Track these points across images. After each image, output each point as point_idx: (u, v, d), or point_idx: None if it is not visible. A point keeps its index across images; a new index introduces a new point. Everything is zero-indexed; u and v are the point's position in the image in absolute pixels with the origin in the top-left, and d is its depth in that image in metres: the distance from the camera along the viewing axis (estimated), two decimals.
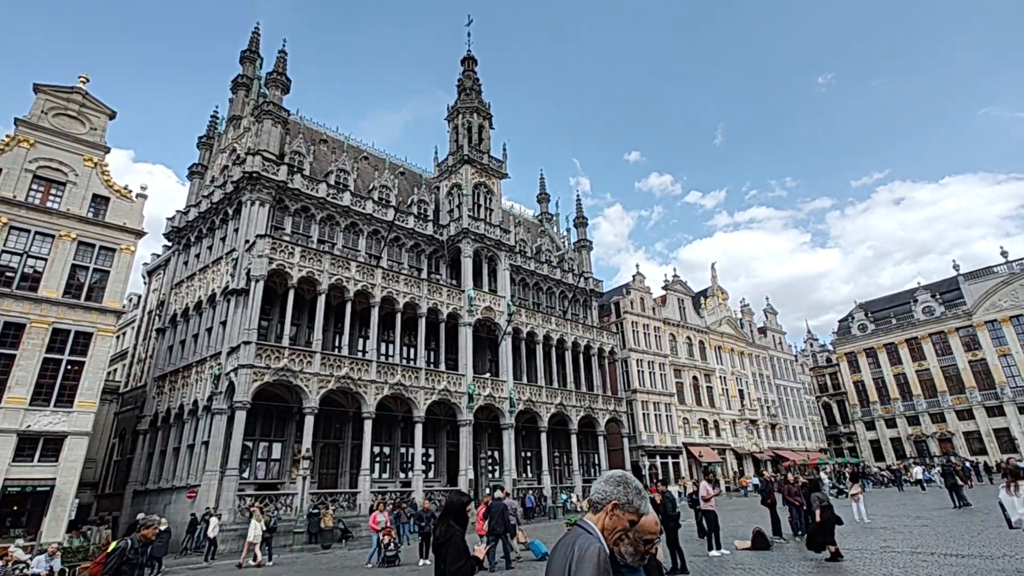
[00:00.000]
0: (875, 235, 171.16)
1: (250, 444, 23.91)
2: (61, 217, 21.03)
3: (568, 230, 47.23)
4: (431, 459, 30.44)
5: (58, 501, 19.05)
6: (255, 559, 16.50)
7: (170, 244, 33.81)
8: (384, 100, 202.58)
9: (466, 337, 30.74)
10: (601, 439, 36.78)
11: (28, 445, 19.05)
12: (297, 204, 28.48)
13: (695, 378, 49.22)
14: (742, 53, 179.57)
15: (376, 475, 27.10)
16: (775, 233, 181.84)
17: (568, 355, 36.72)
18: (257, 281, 23.55)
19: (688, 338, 50.59)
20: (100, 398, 22.07)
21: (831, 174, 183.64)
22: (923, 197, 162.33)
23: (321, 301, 25.33)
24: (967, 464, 39.53)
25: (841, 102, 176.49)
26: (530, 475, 34.42)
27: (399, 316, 28.13)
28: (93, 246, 21.61)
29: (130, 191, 23.33)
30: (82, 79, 23.10)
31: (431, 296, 29.70)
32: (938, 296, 59.23)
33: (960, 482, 20.69)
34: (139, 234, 22.85)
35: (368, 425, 25.11)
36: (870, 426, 61.41)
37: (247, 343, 22.40)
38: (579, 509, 28.91)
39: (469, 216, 33.29)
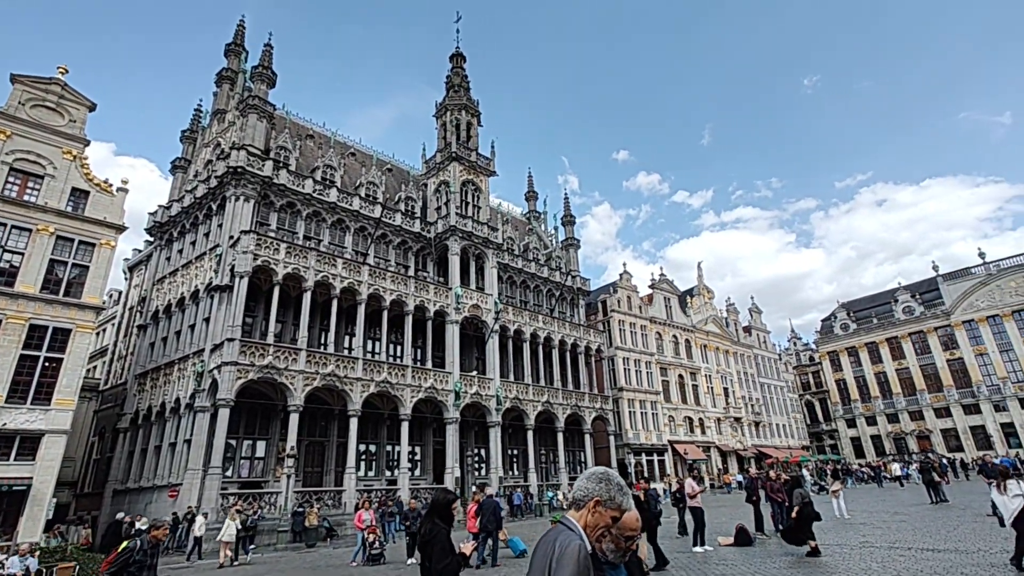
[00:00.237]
0: (858, 236, 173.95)
1: (234, 442, 23.65)
2: (39, 211, 20.56)
3: (556, 228, 47.33)
4: (417, 457, 30.35)
5: (35, 500, 18.66)
6: (229, 559, 16.35)
7: (152, 239, 33.27)
8: (372, 96, 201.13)
9: (453, 335, 30.67)
10: (587, 437, 36.96)
11: (4, 444, 18.63)
12: (283, 200, 28.17)
13: (681, 376, 49.63)
14: (730, 54, 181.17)
15: (362, 473, 26.95)
16: (761, 233, 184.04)
17: (555, 353, 36.81)
18: (241, 277, 23.26)
19: (674, 337, 50.98)
20: (79, 396, 21.64)
21: (816, 175, 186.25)
22: (904, 199, 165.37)
23: (307, 298, 25.10)
24: (944, 461, 40.38)
25: (826, 104, 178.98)
26: (516, 473, 34.49)
27: (386, 313, 27.98)
28: (72, 240, 21.17)
29: (110, 185, 22.88)
30: (61, 70, 22.59)
31: (418, 293, 29.58)
32: (918, 296, 60.39)
33: (937, 478, 21.10)
34: (120, 229, 22.43)
35: (354, 423, 24.96)
36: (851, 424, 62.48)
37: (231, 340, 22.12)
38: (565, 507, 29.01)
39: (457, 213, 33.19)
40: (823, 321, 70.04)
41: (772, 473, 16.33)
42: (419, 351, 30.75)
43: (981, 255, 56.63)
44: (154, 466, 25.13)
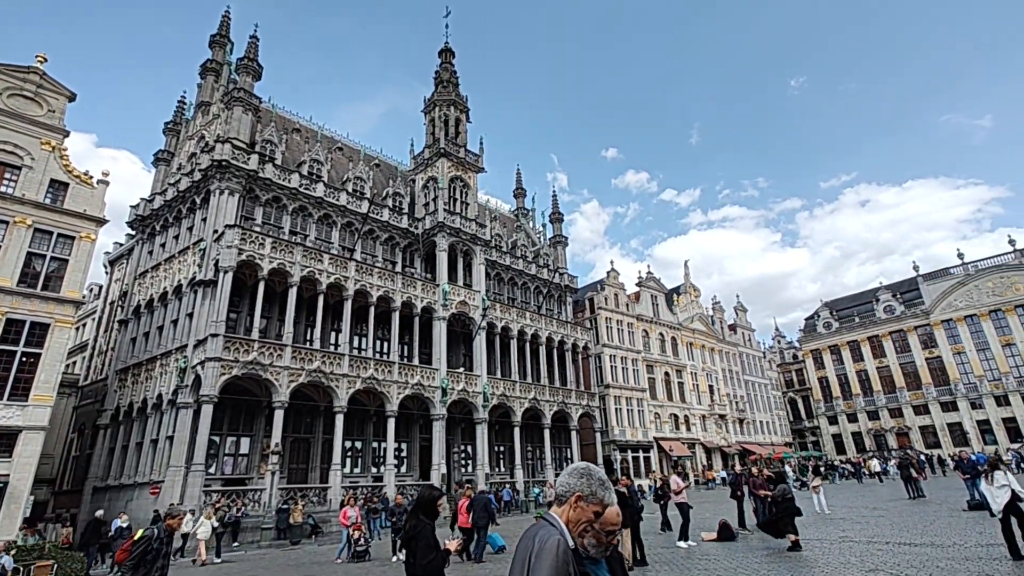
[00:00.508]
0: (842, 236, 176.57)
1: (217, 439, 23.37)
2: (16, 202, 20.08)
3: (544, 225, 47.36)
4: (403, 454, 30.27)
5: (12, 498, 18.29)
6: (202, 557, 16.23)
7: (134, 233, 32.67)
8: (360, 90, 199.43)
9: (440, 331, 30.59)
10: (574, 433, 37.13)
11: None
12: (268, 194, 27.84)
13: (667, 374, 50.04)
14: (719, 54, 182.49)
15: (347, 470, 26.81)
16: (747, 232, 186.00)
17: (542, 350, 36.89)
18: (226, 272, 22.96)
19: (660, 334, 51.36)
20: (58, 391, 21.20)
21: (801, 175, 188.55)
22: (887, 200, 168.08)
23: (292, 294, 24.86)
24: (922, 457, 41.22)
25: (812, 105, 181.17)
26: (503, 469, 34.55)
27: (372, 309, 27.82)
28: (50, 233, 20.72)
29: (91, 177, 22.42)
30: (39, 59, 22.06)
31: (405, 290, 29.44)
32: (899, 296, 61.51)
33: (915, 474, 21.54)
34: (100, 222, 21.99)
35: (340, 419, 24.81)
36: (833, 421, 63.52)
37: (215, 336, 21.84)
38: (551, 503, 29.15)
39: (445, 210, 33.07)
40: (807, 320, 71.06)
41: (755, 469, 16.54)
42: (406, 347, 30.62)
43: (960, 256, 57.84)
44: (135, 463, 24.76)
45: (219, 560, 16.55)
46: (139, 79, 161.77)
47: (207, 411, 21.14)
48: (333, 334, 28.54)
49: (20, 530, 18.04)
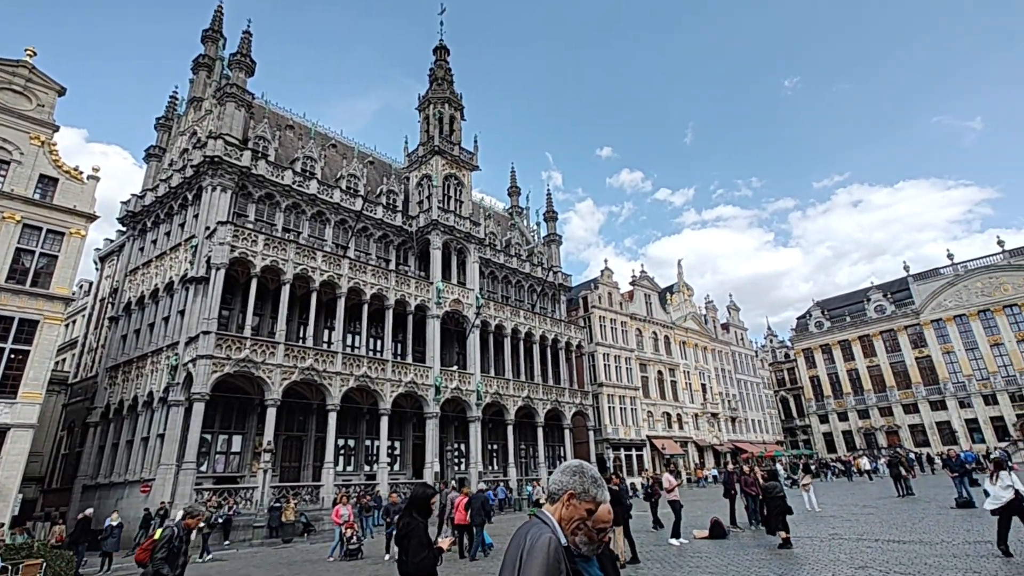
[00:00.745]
0: (834, 236, 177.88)
1: (208, 437, 23.24)
2: (4, 198, 19.83)
3: (538, 224, 47.36)
4: (397, 452, 30.21)
5: (0, 496, 18.12)
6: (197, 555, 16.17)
7: (124, 229, 32.38)
8: (354, 87, 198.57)
9: (434, 329, 30.55)
10: (567, 432, 37.20)
11: None
12: (261, 191, 27.67)
13: (660, 372, 50.22)
14: (714, 54, 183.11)
15: (340, 468, 26.72)
16: (740, 232, 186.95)
17: (536, 349, 36.92)
18: (218, 269, 22.81)
19: (654, 333, 51.53)
20: (47, 389, 21.02)
21: (794, 175, 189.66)
22: (879, 200, 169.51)
23: (285, 291, 24.73)
24: (911, 455, 41.62)
25: (806, 105, 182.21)
26: (496, 468, 34.56)
27: (366, 307, 27.73)
28: (40, 229, 20.49)
29: (81, 172, 22.18)
30: (29, 52, 21.80)
31: (399, 288, 29.36)
32: (889, 296, 62.05)
33: (904, 472, 21.75)
34: (90, 218, 21.78)
35: (332, 417, 24.73)
36: (823, 419, 64.02)
37: (206, 333, 21.69)
38: (543, 501, 29.21)
39: (439, 208, 33.00)
40: (798, 319, 71.53)
41: (745, 468, 16.63)
42: (399, 345, 30.56)
43: (950, 256, 58.45)
44: (125, 461, 24.59)
45: (202, 559, 16.51)
46: (131, 74, 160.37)
47: (199, 409, 21.01)
48: (326, 332, 28.43)
49: (8, 528, 17.88)
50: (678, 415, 50.17)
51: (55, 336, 20.51)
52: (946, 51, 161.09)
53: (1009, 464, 9.44)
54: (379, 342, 30.17)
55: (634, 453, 43.31)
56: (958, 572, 7.97)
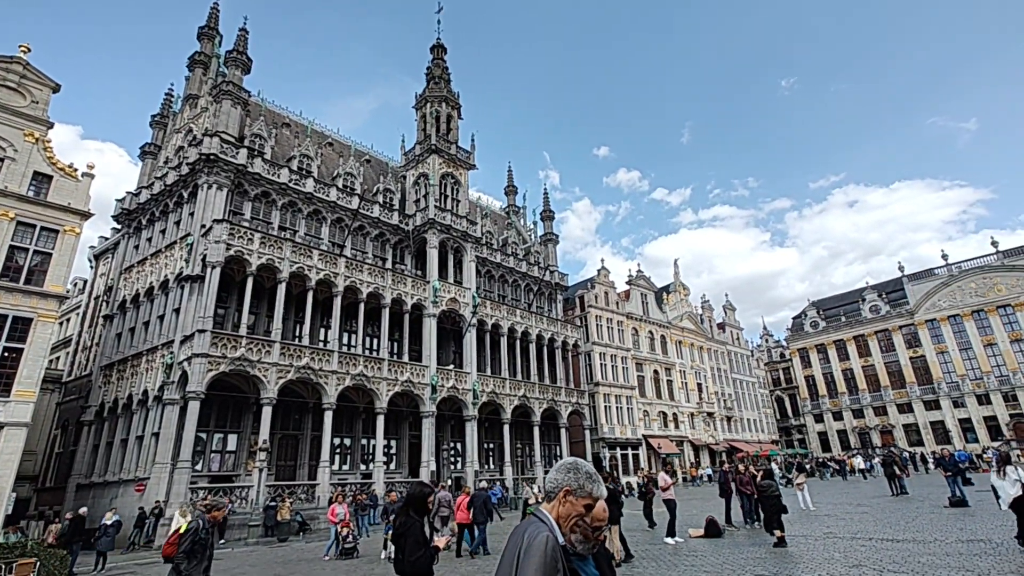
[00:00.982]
0: (830, 236, 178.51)
1: (204, 435, 23.18)
2: None
3: (535, 223, 47.37)
4: (393, 451, 30.20)
5: None
6: None
7: (119, 227, 32.22)
8: (351, 85, 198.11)
9: (430, 328, 30.51)
10: (563, 431, 37.23)
11: None
12: (257, 189, 27.57)
13: (656, 372, 50.32)
14: (711, 53, 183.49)
15: (336, 467, 26.71)
16: (737, 231, 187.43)
17: (532, 348, 36.93)
18: (213, 267, 22.74)
19: (650, 332, 51.62)
20: (40, 387, 20.90)
21: (791, 176, 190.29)
22: (875, 201, 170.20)
23: (281, 289, 24.66)
24: (905, 455, 41.87)
25: (802, 106, 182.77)
26: (492, 467, 34.59)
27: (362, 306, 27.68)
28: (34, 227, 20.36)
29: (75, 169, 22.05)
30: (23, 48, 21.64)
31: (395, 286, 29.32)
32: (884, 296, 62.33)
33: (898, 471, 21.88)
34: (85, 215, 21.65)
35: (328, 416, 24.69)
36: (819, 419, 64.28)
37: (202, 331, 21.63)
38: (539, 500, 29.22)
39: (436, 206, 32.96)
40: (794, 319, 71.80)
41: (741, 467, 16.69)
42: (396, 344, 30.53)
43: (944, 257, 58.72)
44: (120, 460, 24.48)
45: None
46: (126, 71, 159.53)
47: (194, 407, 20.95)
48: (322, 331, 28.37)
49: (2, 528, 17.78)
50: (674, 414, 50.30)
51: (49, 334, 20.38)
52: (942, 52, 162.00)
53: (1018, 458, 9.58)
54: (375, 341, 30.13)
55: (630, 452, 43.38)
56: (951, 570, 8.02)
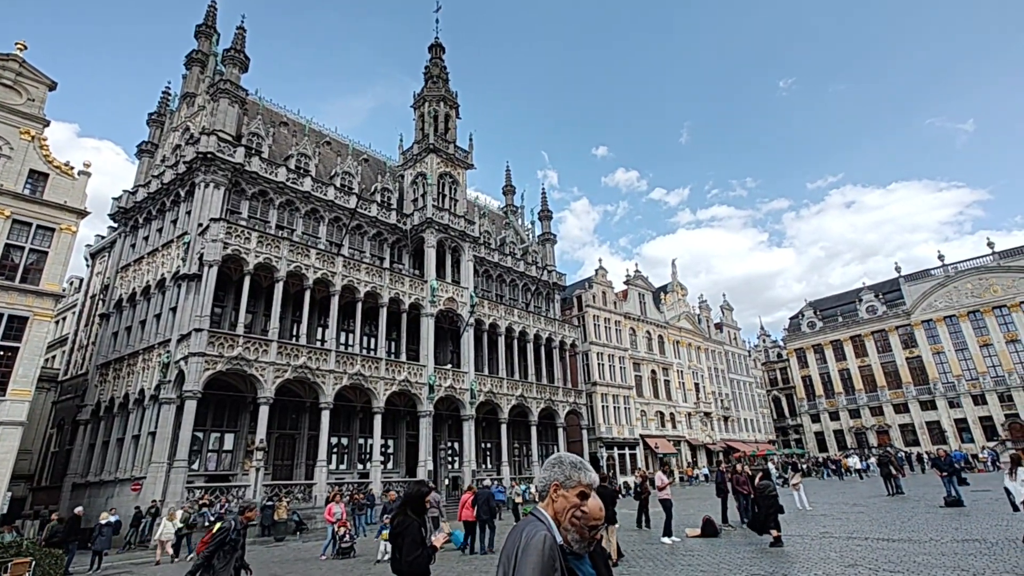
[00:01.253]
0: (827, 236, 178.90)
1: (200, 435, 23.12)
2: None
3: (533, 223, 47.37)
4: (390, 450, 30.17)
5: None
6: (169, 556, 16.15)
7: (116, 225, 32.13)
8: (349, 84, 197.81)
9: (428, 328, 30.50)
10: (561, 431, 37.25)
11: None
12: (255, 188, 27.50)
13: (653, 372, 50.38)
14: (709, 54, 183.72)
15: (333, 466, 26.67)
16: (735, 232, 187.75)
17: (530, 347, 36.94)
18: (210, 266, 22.68)
19: (648, 332, 51.68)
20: (36, 386, 20.81)
21: (788, 176, 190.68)
22: (872, 201, 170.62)
23: (279, 289, 24.60)
24: (901, 455, 42.01)
25: (800, 106, 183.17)
26: (490, 466, 34.58)
27: (360, 305, 27.65)
28: (29, 225, 20.28)
29: (72, 168, 21.97)
30: (19, 46, 21.54)
31: (393, 286, 29.30)
32: (881, 296, 62.51)
33: (894, 471, 21.94)
34: (81, 214, 21.57)
35: (326, 416, 24.65)
36: (815, 419, 64.43)
37: (199, 330, 21.58)
38: (536, 500, 29.23)
39: (433, 206, 32.94)
40: (791, 319, 71.93)
41: (738, 467, 16.72)
42: (393, 344, 30.50)
43: (940, 257, 58.95)
44: (116, 459, 24.41)
45: (178, 559, 16.55)
46: (123, 68, 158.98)
47: (190, 407, 20.89)
48: (320, 330, 28.34)
49: None
50: (671, 414, 50.37)
51: (45, 333, 20.32)
52: (941, 53, 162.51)
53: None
54: (373, 340, 30.11)
55: (627, 452, 43.43)
56: (946, 570, 8.05)
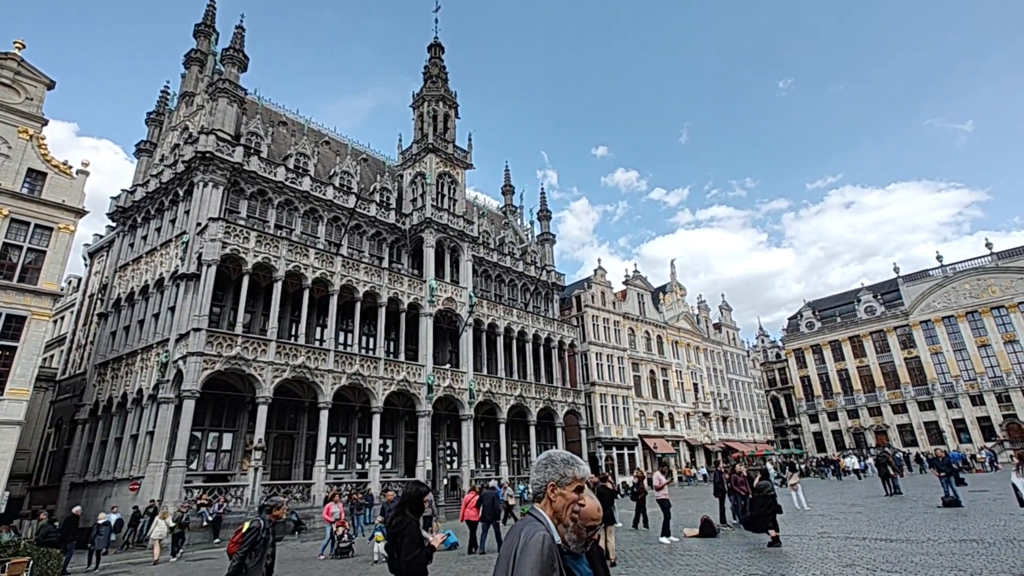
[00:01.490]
0: (826, 236, 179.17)
1: (199, 434, 23.10)
2: None
3: (532, 223, 47.36)
4: (389, 450, 30.15)
5: None
6: (155, 556, 16.11)
7: (114, 224, 32.09)
8: (348, 84, 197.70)
9: (427, 328, 30.49)
10: (559, 431, 37.26)
11: None
12: (253, 187, 27.48)
13: (652, 372, 50.41)
14: (709, 54, 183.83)
15: (332, 466, 26.65)
16: (734, 232, 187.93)
17: (528, 347, 36.94)
18: (209, 266, 22.66)
19: (646, 332, 51.71)
20: (34, 386, 20.79)
21: (788, 176, 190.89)
22: (871, 202, 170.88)
23: (277, 288, 24.58)
24: (899, 455, 42.05)
25: (800, 106, 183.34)
26: (488, 466, 34.58)
27: (359, 305, 27.64)
28: (28, 224, 20.25)
29: (70, 167, 21.93)
30: (17, 45, 21.50)
31: (392, 286, 29.28)
32: (879, 297, 62.61)
33: (892, 472, 21.97)
34: (80, 213, 21.54)
35: (324, 415, 24.64)
36: (814, 419, 64.53)
37: (197, 330, 21.55)
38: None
39: (432, 206, 32.92)
40: (790, 319, 72.01)
41: (737, 467, 16.74)
42: (392, 344, 30.48)
43: (939, 258, 59.12)
44: (114, 459, 24.38)
45: (174, 558, 16.54)
46: (122, 67, 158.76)
47: (189, 406, 20.87)
48: (318, 329, 28.32)
49: None
50: (670, 414, 50.40)
51: (43, 332, 20.29)
52: (940, 53, 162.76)
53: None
54: (372, 340, 30.10)
55: (626, 452, 43.45)
56: (944, 570, 8.07)
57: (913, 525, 13.11)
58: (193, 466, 22.48)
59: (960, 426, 53.88)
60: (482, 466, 33.86)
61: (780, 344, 72.37)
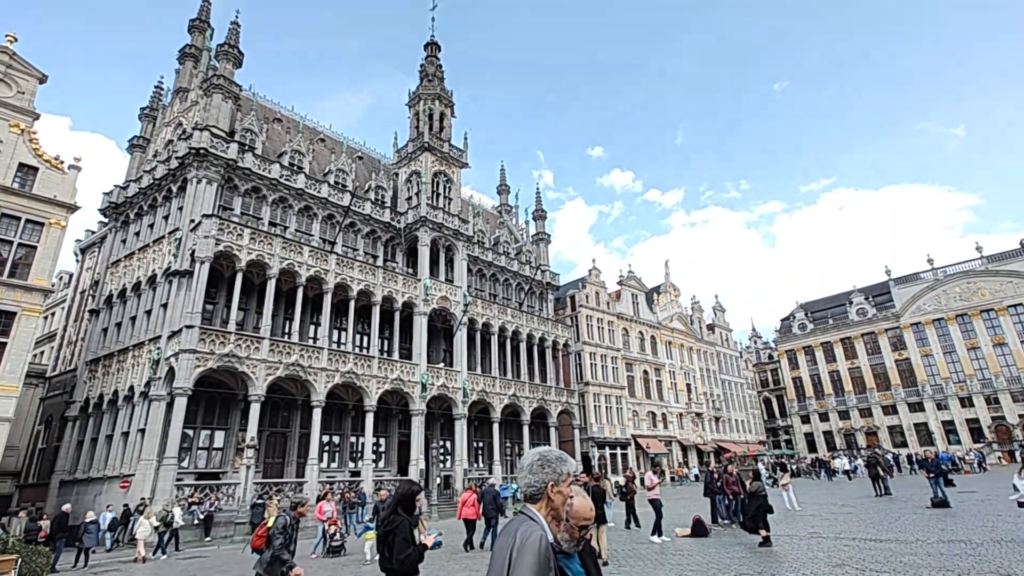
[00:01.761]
0: (819, 239, 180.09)
1: (191, 432, 22.98)
2: None
3: (527, 222, 47.34)
4: (382, 448, 30.10)
5: None
6: (140, 555, 16.07)
7: (107, 220, 31.81)
8: (344, 82, 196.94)
9: (421, 326, 30.45)
10: (553, 430, 37.32)
11: None
12: (248, 184, 27.34)
13: (646, 372, 50.56)
14: (705, 56, 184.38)
15: (325, 465, 26.59)
16: (728, 233, 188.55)
17: (523, 347, 36.96)
18: (202, 263, 22.52)
19: (640, 333, 51.85)
20: (24, 382, 20.60)
21: (782, 179, 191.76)
22: (864, 205, 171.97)
23: (271, 286, 24.48)
24: (889, 456, 42.42)
25: (795, 109, 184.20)
26: (481, 465, 34.59)
27: (353, 303, 27.56)
28: (18, 219, 20.05)
29: (62, 162, 21.74)
30: (9, 38, 21.27)
31: (386, 284, 29.21)
32: (871, 299, 63.08)
33: (882, 473, 22.16)
34: (71, 208, 21.35)
35: (317, 414, 24.56)
36: (805, 420, 64.97)
37: (190, 327, 21.42)
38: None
39: (428, 204, 32.87)
40: (782, 321, 72.43)
41: (729, 467, 16.85)
42: (386, 342, 30.42)
43: (930, 261, 59.56)
44: (105, 456, 24.18)
45: (164, 556, 16.50)
46: (116, 62, 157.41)
47: (180, 404, 20.76)
48: (312, 328, 28.20)
49: None
50: (663, 414, 50.58)
51: (33, 328, 20.11)
52: (932, 58, 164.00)
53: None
54: (365, 338, 30.03)
55: (619, 452, 43.57)
56: (932, 570, 8.16)
57: (902, 526, 13.24)
58: (185, 464, 22.36)
59: (949, 427, 54.40)
60: (475, 465, 33.87)
61: (773, 345, 72.78)
